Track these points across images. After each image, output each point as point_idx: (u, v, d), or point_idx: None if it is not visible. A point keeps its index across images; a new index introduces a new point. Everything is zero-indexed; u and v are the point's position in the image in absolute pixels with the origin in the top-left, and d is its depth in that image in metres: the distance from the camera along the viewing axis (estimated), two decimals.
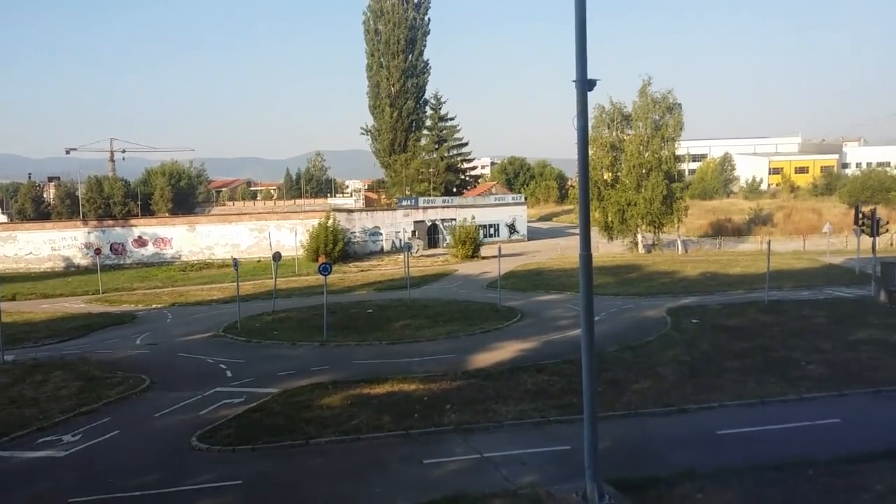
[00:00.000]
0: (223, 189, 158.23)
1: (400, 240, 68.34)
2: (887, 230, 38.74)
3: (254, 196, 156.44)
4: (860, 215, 36.86)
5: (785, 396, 17.41)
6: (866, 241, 37.09)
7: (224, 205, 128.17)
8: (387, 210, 77.04)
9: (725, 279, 40.41)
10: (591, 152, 56.68)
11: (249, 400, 19.37)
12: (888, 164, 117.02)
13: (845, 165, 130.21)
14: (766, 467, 12.49)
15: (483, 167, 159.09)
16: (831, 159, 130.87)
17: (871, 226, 34.61)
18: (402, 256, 50.69)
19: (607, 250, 59.98)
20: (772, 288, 33.28)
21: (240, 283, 34.02)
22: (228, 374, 23.06)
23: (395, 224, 71.88)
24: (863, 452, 13.09)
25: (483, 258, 58.72)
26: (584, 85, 11.16)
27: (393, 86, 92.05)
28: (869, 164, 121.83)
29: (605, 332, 25.69)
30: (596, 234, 58.08)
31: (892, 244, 53.23)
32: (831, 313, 28.29)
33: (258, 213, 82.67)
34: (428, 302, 36.52)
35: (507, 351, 24.30)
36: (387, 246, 70.62)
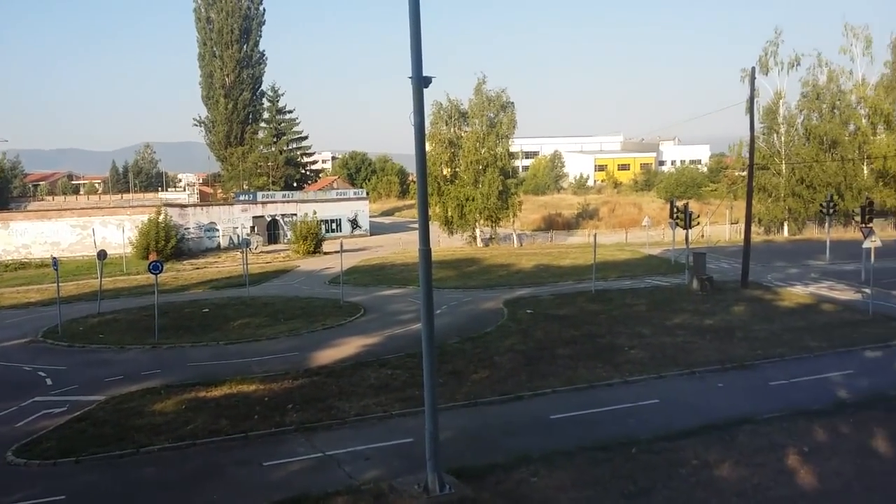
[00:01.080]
0: (41, 183, 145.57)
1: (238, 236, 66.22)
2: (698, 223, 42.25)
3: (76, 190, 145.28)
4: (675, 209, 39.97)
5: (611, 380, 18.65)
6: (681, 233, 40.24)
7: (42, 200, 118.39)
8: (223, 205, 74.18)
9: (557, 271, 42.48)
10: (429, 148, 57.61)
11: (73, 409, 18.16)
12: (699, 162, 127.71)
13: (662, 163, 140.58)
14: (595, 448, 13.35)
15: (324, 161, 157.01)
16: (650, 157, 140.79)
17: (685, 219, 37.63)
18: (240, 253, 49.11)
19: (448, 244, 61.17)
20: (598, 278, 35.41)
21: (61, 284, 31.68)
22: (48, 381, 21.44)
23: (233, 220, 69.53)
24: (680, 430, 14.32)
25: (325, 254, 58.07)
26: (420, 81, 11.35)
27: (227, 76, 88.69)
28: (682, 162, 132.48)
29: (445, 324, 26.30)
30: (436, 229, 59.08)
31: (703, 236, 58.02)
32: (651, 300, 30.59)
33: (81, 209, 76.79)
34: (268, 299, 35.68)
35: (350, 347, 24.26)
36: (224, 242, 68.17)
